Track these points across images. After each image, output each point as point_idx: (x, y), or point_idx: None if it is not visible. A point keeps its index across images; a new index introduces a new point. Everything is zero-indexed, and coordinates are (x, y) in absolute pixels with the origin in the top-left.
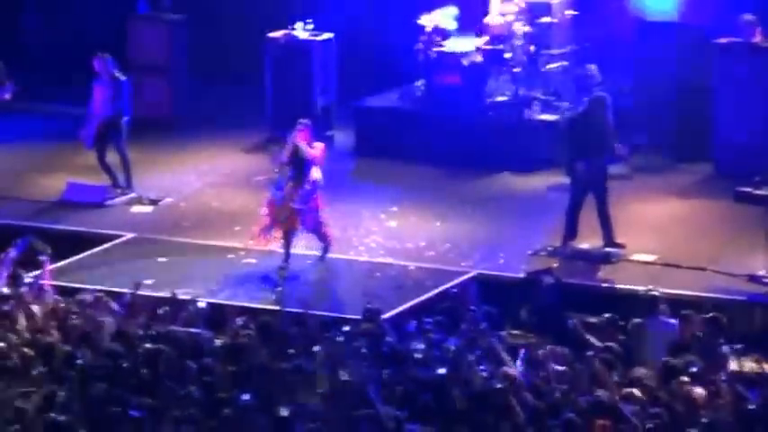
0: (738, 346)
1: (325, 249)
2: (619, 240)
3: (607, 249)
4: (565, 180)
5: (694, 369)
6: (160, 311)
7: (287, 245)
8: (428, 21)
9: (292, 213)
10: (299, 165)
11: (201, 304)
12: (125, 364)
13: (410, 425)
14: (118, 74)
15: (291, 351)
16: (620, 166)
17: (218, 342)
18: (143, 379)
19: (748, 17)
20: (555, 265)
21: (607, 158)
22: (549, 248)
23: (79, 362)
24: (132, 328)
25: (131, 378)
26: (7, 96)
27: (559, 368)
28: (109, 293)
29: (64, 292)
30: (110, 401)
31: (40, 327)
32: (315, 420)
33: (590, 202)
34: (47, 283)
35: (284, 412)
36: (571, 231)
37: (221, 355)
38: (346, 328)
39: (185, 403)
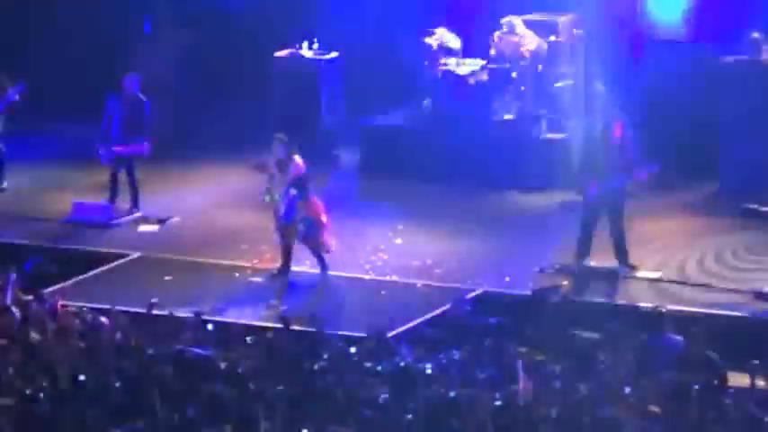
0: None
1: (322, 266)
2: (631, 261)
3: (614, 266)
4: (571, 198)
5: (700, 385)
6: (165, 331)
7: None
8: (434, 40)
9: (282, 228)
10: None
11: (209, 326)
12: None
13: None
14: (141, 95)
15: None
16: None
17: (223, 363)
18: (144, 399)
19: (755, 35)
20: (562, 282)
21: (624, 179)
22: (556, 266)
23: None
24: (137, 348)
25: (130, 398)
26: (17, 97)
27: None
28: (116, 312)
29: (72, 311)
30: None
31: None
32: None
33: (603, 220)
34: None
35: None
36: (583, 249)
37: (229, 375)
38: (353, 349)
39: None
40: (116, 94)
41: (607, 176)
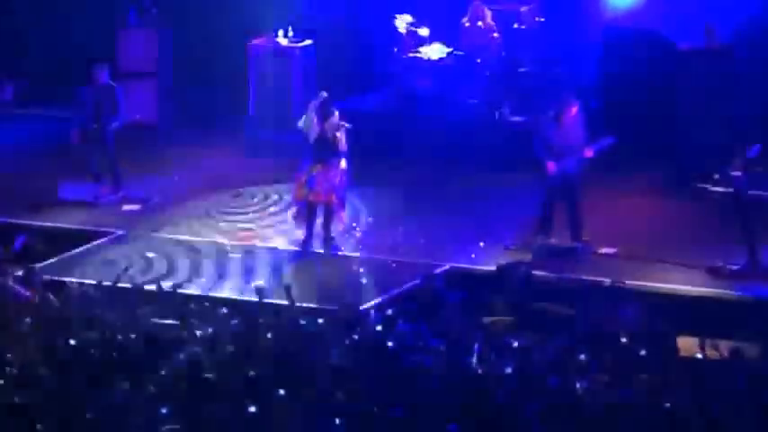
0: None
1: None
2: (585, 237)
3: (574, 244)
4: (533, 178)
5: (651, 355)
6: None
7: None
8: (402, 27)
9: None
10: None
11: (183, 292)
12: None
13: (391, 410)
14: (111, 82)
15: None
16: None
17: (199, 333)
18: (121, 369)
19: (708, 24)
20: (525, 258)
21: (577, 159)
22: (520, 243)
23: (72, 343)
24: (114, 319)
25: (109, 367)
26: (8, 97)
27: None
28: (99, 286)
29: (57, 285)
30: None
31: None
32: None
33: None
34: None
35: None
36: (545, 227)
37: (206, 345)
38: (321, 320)
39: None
40: (88, 84)
41: (563, 157)
